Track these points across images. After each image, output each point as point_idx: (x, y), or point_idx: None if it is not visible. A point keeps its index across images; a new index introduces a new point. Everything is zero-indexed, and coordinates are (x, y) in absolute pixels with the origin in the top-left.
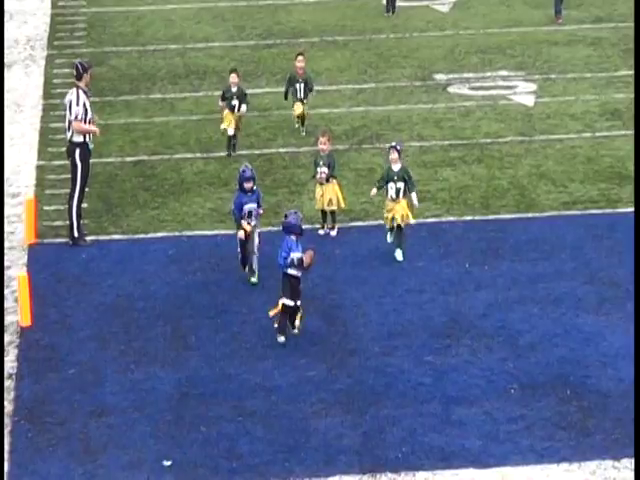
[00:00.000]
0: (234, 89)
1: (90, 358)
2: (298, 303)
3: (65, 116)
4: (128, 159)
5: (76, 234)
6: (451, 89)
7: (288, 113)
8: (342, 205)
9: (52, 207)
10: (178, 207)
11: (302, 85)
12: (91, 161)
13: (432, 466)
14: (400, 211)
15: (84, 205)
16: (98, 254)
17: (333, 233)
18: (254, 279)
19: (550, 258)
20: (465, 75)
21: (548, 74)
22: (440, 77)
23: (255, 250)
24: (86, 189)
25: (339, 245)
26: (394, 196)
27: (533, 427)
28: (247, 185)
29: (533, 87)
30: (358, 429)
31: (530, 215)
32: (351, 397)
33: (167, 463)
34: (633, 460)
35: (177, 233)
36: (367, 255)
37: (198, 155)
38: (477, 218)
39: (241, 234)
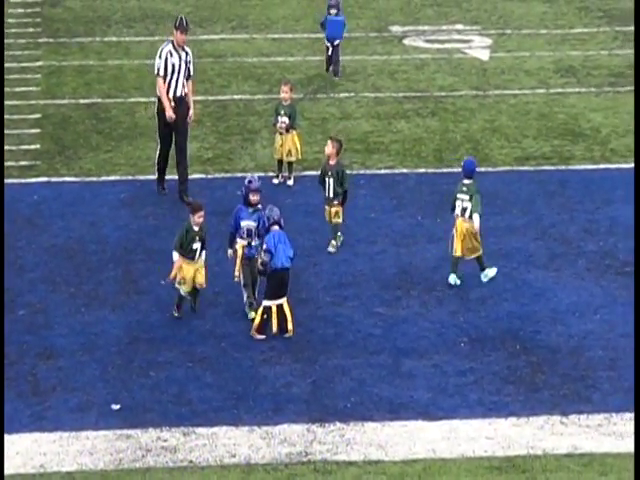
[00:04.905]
0: (196, 228)
1: (40, 300)
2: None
3: None
4: (82, 101)
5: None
6: (406, 41)
7: (242, 60)
8: (299, 157)
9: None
10: (131, 151)
11: (331, 181)
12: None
13: (381, 417)
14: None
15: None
16: (50, 196)
17: (290, 182)
18: (253, 313)
19: (502, 213)
20: (421, 28)
21: (503, 29)
22: (396, 29)
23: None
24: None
25: (291, 194)
26: (459, 215)
27: (482, 381)
28: (253, 198)
29: (488, 42)
30: (307, 378)
31: (483, 169)
32: (301, 346)
33: (116, 407)
34: (581, 416)
35: (130, 177)
36: (319, 205)
37: (152, 99)
38: (430, 171)
39: (230, 253)
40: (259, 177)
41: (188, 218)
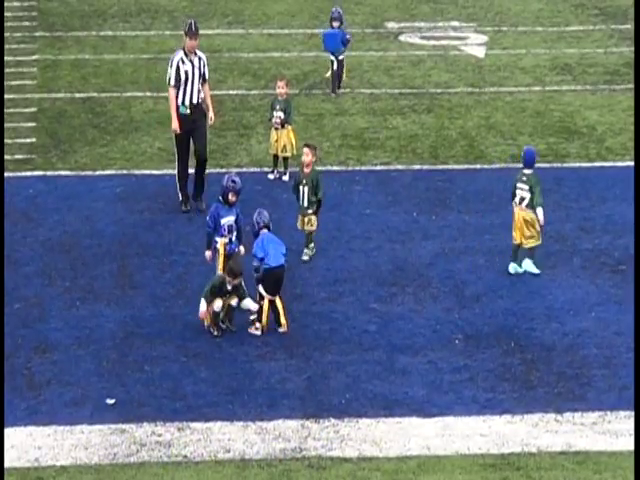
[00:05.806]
0: (229, 287)
1: (35, 294)
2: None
3: None
4: (77, 95)
5: (182, 206)
6: (402, 38)
7: (238, 55)
8: (294, 152)
9: None
10: (127, 145)
11: (306, 189)
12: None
13: (375, 413)
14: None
15: None
16: (45, 189)
17: (285, 178)
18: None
19: (497, 210)
20: (417, 24)
21: (499, 26)
22: (392, 25)
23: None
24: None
25: (286, 190)
26: (517, 203)
27: (477, 378)
28: (232, 199)
29: (484, 39)
30: (302, 374)
31: (478, 166)
32: (296, 342)
33: (110, 401)
34: (575, 414)
35: (125, 171)
36: None
37: (148, 94)
38: (425, 167)
39: (209, 255)
40: (240, 174)
41: (221, 275)
